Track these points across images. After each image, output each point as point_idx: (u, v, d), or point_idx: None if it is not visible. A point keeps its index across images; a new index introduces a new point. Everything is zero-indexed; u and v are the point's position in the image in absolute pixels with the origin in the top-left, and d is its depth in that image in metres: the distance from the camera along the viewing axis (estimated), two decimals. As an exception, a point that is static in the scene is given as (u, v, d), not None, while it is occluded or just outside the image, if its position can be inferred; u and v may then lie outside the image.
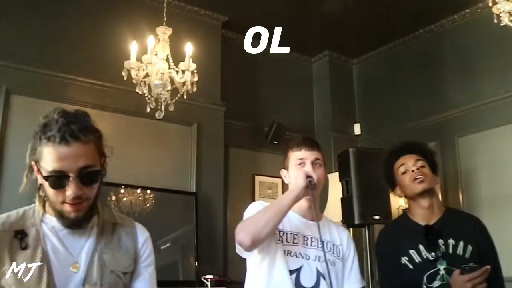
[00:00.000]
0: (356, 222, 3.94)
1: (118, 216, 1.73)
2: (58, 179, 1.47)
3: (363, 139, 6.36)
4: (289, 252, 2.12)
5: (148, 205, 4.79)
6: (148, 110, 3.83)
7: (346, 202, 4.06)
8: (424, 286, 2.31)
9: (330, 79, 6.64)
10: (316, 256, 2.15)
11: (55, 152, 1.46)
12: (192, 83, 3.81)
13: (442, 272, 2.28)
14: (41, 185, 1.56)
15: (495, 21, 3.19)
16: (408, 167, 2.45)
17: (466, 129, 5.39)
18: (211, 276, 4.56)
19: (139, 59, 3.78)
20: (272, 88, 6.30)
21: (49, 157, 1.47)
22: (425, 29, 6.00)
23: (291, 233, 2.16)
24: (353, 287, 2.24)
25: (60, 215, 1.53)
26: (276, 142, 5.88)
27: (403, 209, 5.69)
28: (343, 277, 2.23)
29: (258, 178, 5.85)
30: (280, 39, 6.22)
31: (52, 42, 4.60)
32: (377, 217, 3.96)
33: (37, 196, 1.59)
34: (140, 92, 3.75)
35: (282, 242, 2.12)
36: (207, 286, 4.49)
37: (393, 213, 5.03)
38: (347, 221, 4.09)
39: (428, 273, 2.30)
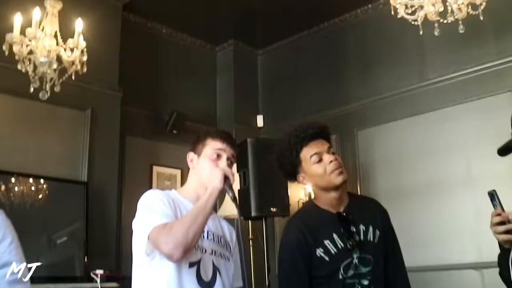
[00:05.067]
0: (253, 214, 3.87)
1: None
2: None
3: (266, 131, 6.30)
4: None
5: (41, 195, 4.43)
6: (32, 90, 3.51)
7: (243, 194, 3.98)
8: (341, 277, 2.16)
9: (234, 69, 6.54)
10: (212, 250, 2.09)
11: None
12: (82, 63, 3.54)
13: (355, 261, 2.16)
14: None
15: (393, 12, 3.18)
16: (323, 156, 2.24)
17: (365, 123, 5.48)
18: (101, 271, 4.28)
19: (23, 34, 3.45)
20: (174, 75, 6.09)
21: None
22: (329, 22, 6.04)
23: None
24: (240, 285, 2.21)
25: None
26: (176, 132, 5.68)
27: (303, 202, 5.69)
28: (233, 273, 2.19)
29: (156, 169, 5.62)
30: (185, 25, 6.06)
31: None
32: (274, 210, 3.91)
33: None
34: (22, 70, 3.42)
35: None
36: (96, 281, 4.22)
37: (293, 206, 5.04)
38: (244, 213, 3.99)
39: (344, 263, 2.15)
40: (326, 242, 2.19)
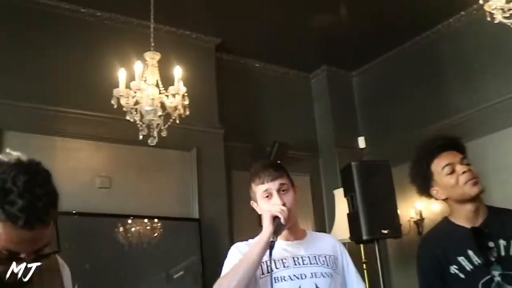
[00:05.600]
0: (364, 238, 3.81)
1: None
2: (7, 259, 1.29)
3: (369, 152, 6.20)
4: (283, 277, 2.04)
5: (156, 234, 4.67)
6: (141, 137, 3.72)
7: (352, 218, 3.94)
8: None
9: (330, 93, 6.55)
10: (312, 273, 2.07)
11: (13, 234, 1.25)
12: (184, 107, 3.71)
13: (497, 278, 2.03)
14: None
15: (489, 19, 3.06)
16: (456, 167, 2.18)
17: (473, 133, 5.22)
18: (219, 304, 4.39)
19: (128, 86, 3.68)
20: (272, 106, 6.20)
21: (4, 236, 1.26)
22: (421, 35, 5.92)
23: (279, 260, 2.06)
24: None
25: None
26: (279, 162, 5.73)
27: (414, 221, 5.53)
28: (345, 285, 2.18)
29: (263, 200, 5.70)
30: (276, 57, 6.18)
31: (41, 75, 4.55)
32: (385, 232, 3.82)
33: None
34: (131, 120, 3.65)
35: (271, 271, 2.00)
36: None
37: (404, 226, 4.91)
38: (355, 237, 3.96)
39: (482, 280, 2.05)
40: (460, 258, 2.13)
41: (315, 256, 2.13)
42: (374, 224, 3.80)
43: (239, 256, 2.06)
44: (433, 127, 5.52)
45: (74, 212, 4.35)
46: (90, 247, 4.35)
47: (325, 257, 2.15)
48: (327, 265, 2.13)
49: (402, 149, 5.65)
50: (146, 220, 4.68)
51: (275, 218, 1.96)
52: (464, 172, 2.15)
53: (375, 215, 3.83)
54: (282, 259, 2.06)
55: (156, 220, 4.70)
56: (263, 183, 2.09)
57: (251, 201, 2.20)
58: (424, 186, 2.27)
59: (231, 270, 1.97)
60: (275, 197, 2.06)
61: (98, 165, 4.67)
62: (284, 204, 2.02)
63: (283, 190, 2.07)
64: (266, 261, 2.00)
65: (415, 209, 5.53)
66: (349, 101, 6.70)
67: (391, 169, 4.06)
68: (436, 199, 2.27)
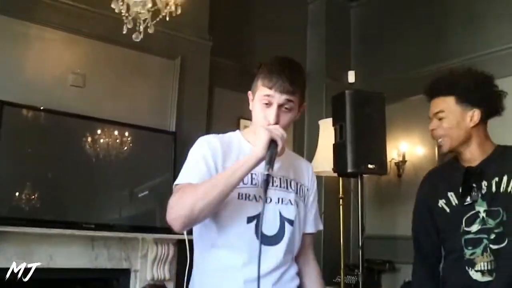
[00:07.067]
0: (349, 170, 3.63)
1: None
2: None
3: (357, 88, 5.98)
4: (247, 195, 1.77)
5: (125, 148, 4.38)
6: (125, 30, 3.38)
7: (338, 149, 3.75)
8: (461, 230, 2.10)
9: (326, 22, 6.23)
10: (278, 198, 1.83)
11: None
12: (176, 4, 3.38)
13: (482, 214, 2.07)
14: None
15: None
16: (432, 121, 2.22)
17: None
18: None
19: (117, -27, 3.32)
20: (264, 28, 5.85)
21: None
22: (428, -28, 5.59)
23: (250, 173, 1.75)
24: (313, 230, 2.00)
25: None
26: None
27: (395, 163, 5.40)
28: (305, 218, 1.94)
29: (243, 122, 5.45)
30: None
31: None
32: (371, 166, 3.65)
33: None
34: (116, 9, 3.29)
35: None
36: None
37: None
38: (338, 169, 3.78)
39: (467, 215, 2.10)
40: (450, 194, 2.16)
41: (288, 180, 1.89)
42: (361, 157, 3.62)
43: (206, 155, 1.79)
44: (428, 69, 5.29)
45: (41, 108, 4.04)
46: (55, 154, 4.06)
47: (296, 183, 1.90)
48: (297, 193, 1.89)
49: (392, 89, 5.50)
50: (116, 132, 4.36)
51: (271, 143, 1.65)
52: (432, 130, 2.19)
53: (362, 148, 3.65)
54: (251, 174, 1.75)
55: (128, 129, 4.39)
56: (270, 88, 1.76)
57: (250, 92, 1.90)
58: None
59: (201, 187, 1.67)
60: (273, 110, 1.75)
61: (73, 61, 4.31)
62: (277, 123, 1.74)
63: (285, 108, 1.78)
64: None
65: (398, 150, 5.39)
66: (344, 32, 6.39)
67: (385, 102, 3.85)
68: None
